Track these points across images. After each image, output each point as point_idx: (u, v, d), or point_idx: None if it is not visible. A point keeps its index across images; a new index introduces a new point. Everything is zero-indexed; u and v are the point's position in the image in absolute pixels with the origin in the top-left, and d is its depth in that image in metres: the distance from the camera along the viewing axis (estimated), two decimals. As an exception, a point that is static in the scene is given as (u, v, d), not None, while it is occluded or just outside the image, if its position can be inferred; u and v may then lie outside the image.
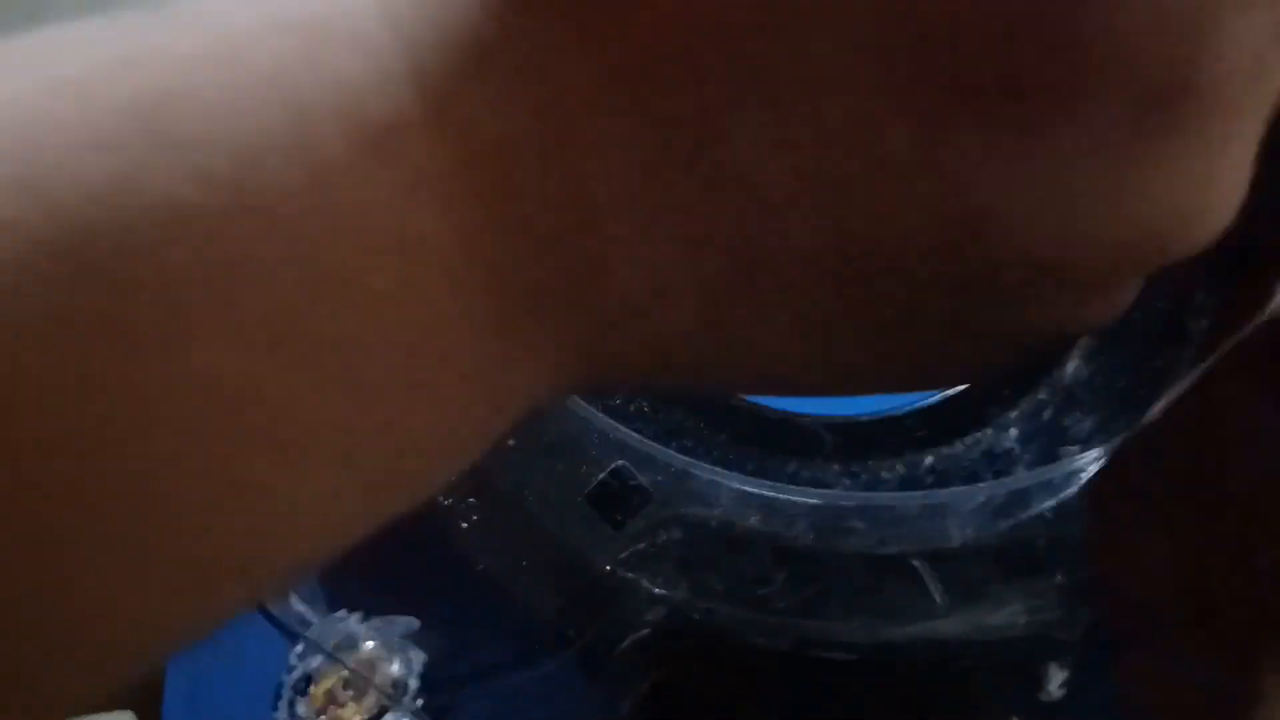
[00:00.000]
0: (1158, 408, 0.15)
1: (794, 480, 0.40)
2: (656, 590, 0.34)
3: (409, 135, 0.11)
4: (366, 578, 0.38)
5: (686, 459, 0.35)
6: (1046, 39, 0.10)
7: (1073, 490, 0.34)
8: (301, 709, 0.35)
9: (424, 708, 0.35)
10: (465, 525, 0.36)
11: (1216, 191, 0.13)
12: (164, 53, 0.11)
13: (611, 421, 0.35)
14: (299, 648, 0.35)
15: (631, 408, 0.40)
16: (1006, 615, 0.33)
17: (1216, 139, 0.12)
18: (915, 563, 0.34)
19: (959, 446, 0.40)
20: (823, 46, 0.10)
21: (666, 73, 0.11)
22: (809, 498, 0.34)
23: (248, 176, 0.10)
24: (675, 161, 0.11)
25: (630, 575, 0.34)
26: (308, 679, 0.35)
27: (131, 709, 0.83)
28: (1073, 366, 0.42)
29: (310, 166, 0.10)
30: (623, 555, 0.34)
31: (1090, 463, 0.34)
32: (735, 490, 0.35)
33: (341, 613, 0.36)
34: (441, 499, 0.36)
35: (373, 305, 0.11)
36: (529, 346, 0.12)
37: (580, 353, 0.12)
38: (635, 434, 0.35)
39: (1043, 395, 0.41)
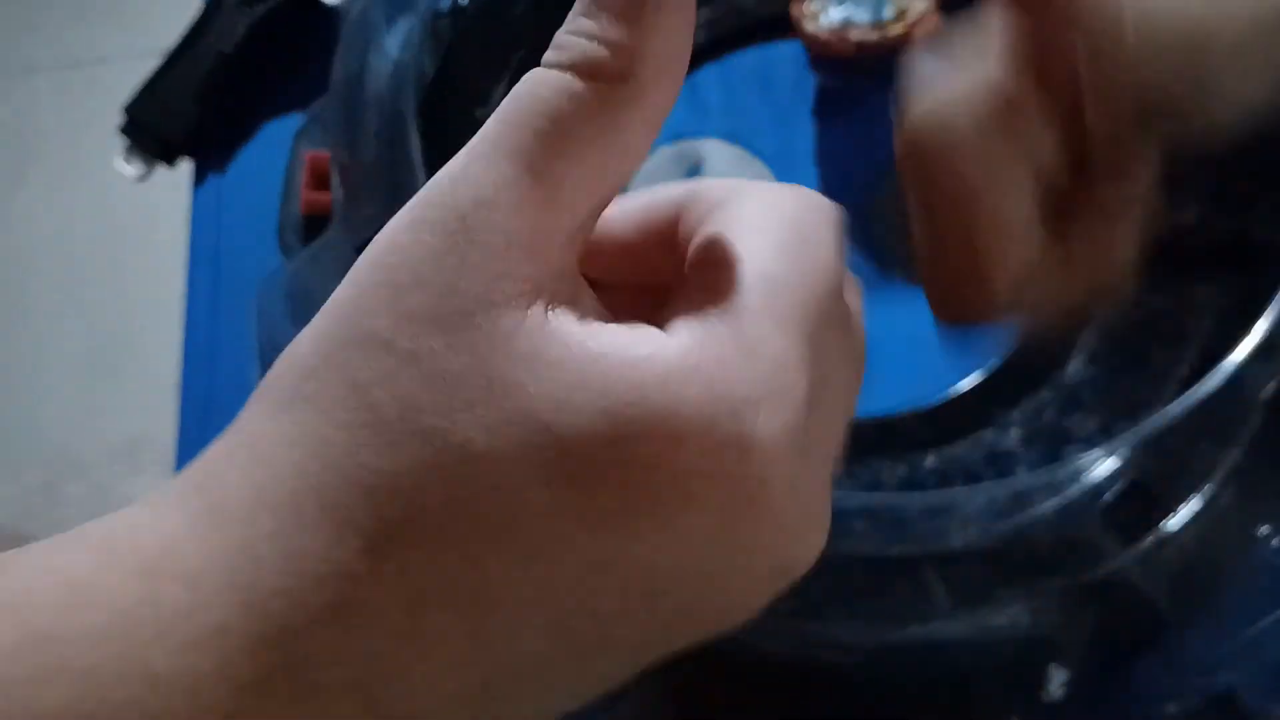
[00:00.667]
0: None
1: (795, 481, 0.39)
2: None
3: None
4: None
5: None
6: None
7: (1075, 491, 0.34)
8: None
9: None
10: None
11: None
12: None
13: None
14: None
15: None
16: (1008, 617, 0.33)
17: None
18: (917, 564, 0.33)
19: (960, 447, 0.40)
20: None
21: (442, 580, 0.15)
22: (810, 498, 0.34)
23: None
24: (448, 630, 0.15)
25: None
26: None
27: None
28: (1074, 367, 0.42)
29: None
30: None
31: (1092, 463, 0.34)
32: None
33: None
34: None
35: None
36: None
37: None
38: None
39: (1045, 395, 0.41)
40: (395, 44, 0.42)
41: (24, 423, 1.14)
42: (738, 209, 0.18)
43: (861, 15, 0.45)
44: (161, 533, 0.14)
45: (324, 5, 0.50)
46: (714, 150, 0.47)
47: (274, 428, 0.15)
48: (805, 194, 0.18)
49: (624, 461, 0.15)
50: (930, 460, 0.40)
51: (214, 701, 0.13)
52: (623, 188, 0.17)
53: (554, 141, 0.15)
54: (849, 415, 0.20)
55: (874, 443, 0.41)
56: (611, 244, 0.19)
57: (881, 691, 0.35)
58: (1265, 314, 0.34)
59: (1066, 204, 0.21)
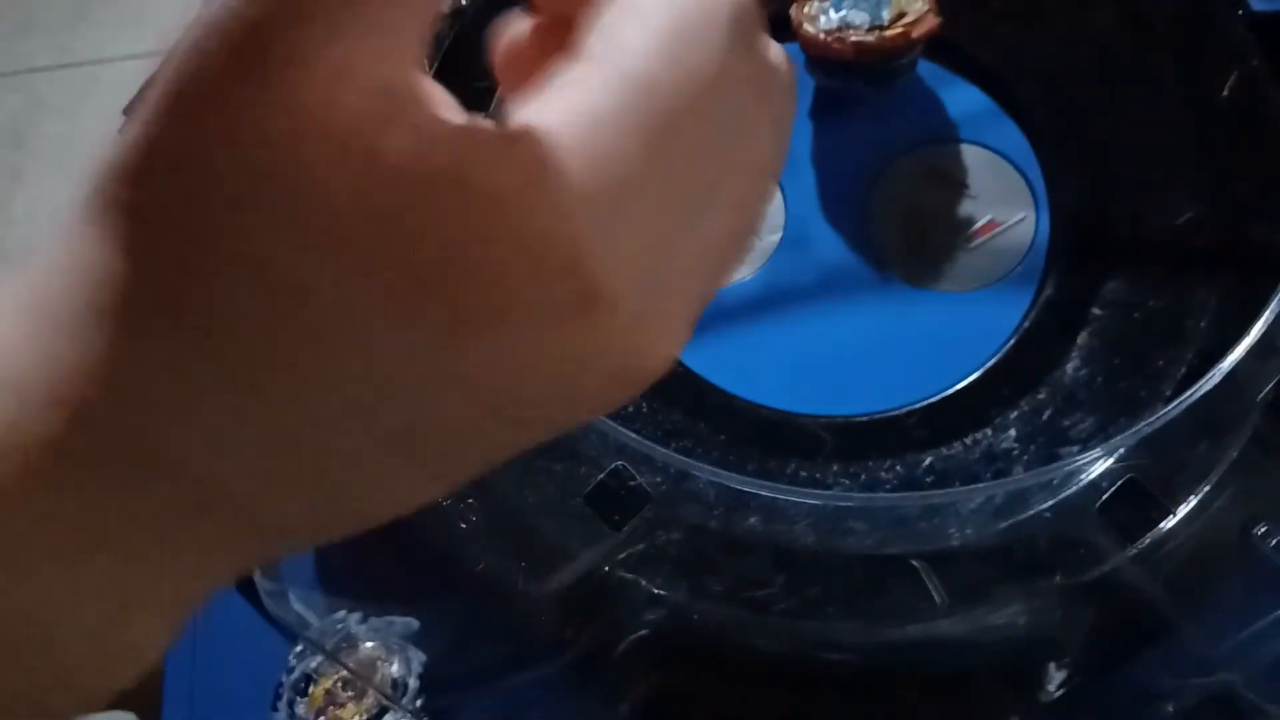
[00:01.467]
0: None
1: (793, 481, 0.40)
2: (656, 591, 0.34)
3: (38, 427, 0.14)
4: (366, 578, 0.38)
5: (686, 460, 0.34)
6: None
7: (1073, 490, 0.34)
8: (301, 709, 0.35)
9: (423, 708, 0.35)
10: (465, 526, 0.36)
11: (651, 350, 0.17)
12: None
13: (611, 423, 0.35)
14: (298, 648, 0.35)
15: (630, 408, 0.40)
16: (1006, 616, 0.33)
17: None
18: (915, 563, 0.34)
19: (958, 447, 0.40)
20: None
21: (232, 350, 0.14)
22: (808, 498, 0.34)
23: None
24: (252, 406, 0.15)
25: (629, 576, 0.34)
26: (307, 679, 0.35)
27: (131, 709, 0.83)
28: (1072, 367, 0.42)
29: None
30: (622, 556, 0.34)
31: (1090, 463, 0.34)
32: (734, 491, 0.35)
33: (341, 613, 0.36)
34: (441, 500, 0.36)
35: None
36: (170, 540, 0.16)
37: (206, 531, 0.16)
38: (634, 434, 0.35)
39: (1042, 395, 0.41)
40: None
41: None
42: None
43: (859, 17, 0.45)
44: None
45: (324, 6, 0.50)
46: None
47: (89, 231, 0.15)
48: None
49: (443, 280, 0.14)
50: (929, 460, 0.40)
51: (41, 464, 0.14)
52: None
53: None
54: (738, 234, 0.18)
55: (873, 443, 0.41)
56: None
57: (881, 690, 0.35)
58: (1264, 314, 0.34)
59: None
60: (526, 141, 0.14)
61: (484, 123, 0.14)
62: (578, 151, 0.15)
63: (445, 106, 0.15)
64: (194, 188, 0.14)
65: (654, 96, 0.15)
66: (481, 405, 0.15)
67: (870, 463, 0.40)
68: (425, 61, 0.15)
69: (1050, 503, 0.34)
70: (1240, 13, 0.43)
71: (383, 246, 0.14)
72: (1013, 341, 0.43)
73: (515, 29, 0.20)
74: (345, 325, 0.14)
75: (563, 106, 0.15)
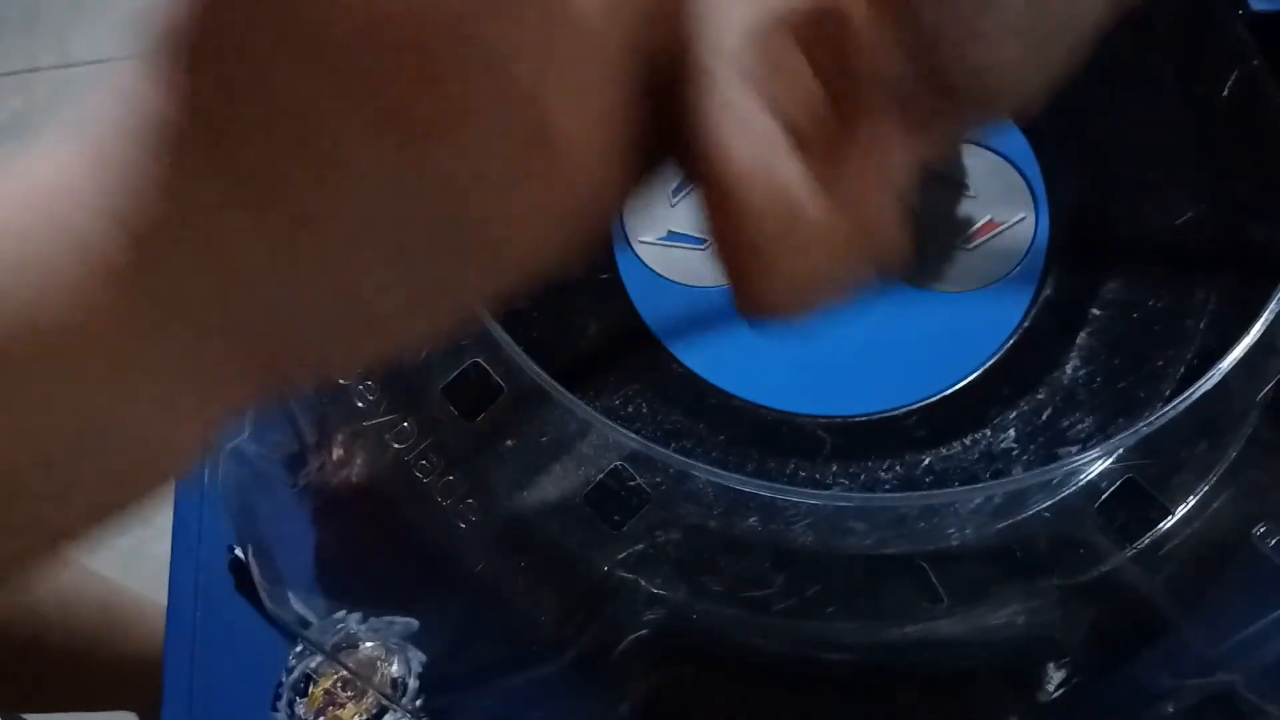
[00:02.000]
0: None
1: (793, 481, 0.40)
2: (655, 591, 0.34)
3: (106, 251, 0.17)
4: (366, 578, 0.38)
5: (685, 460, 0.35)
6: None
7: (1072, 490, 0.34)
8: (300, 709, 0.35)
9: (423, 708, 0.35)
10: (464, 526, 0.36)
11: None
12: None
13: (610, 422, 0.35)
14: (298, 648, 0.35)
15: (630, 408, 0.40)
16: (1005, 616, 0.33)
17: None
18: (914, 563, 0.34)
19: (957, 447, 0.40)
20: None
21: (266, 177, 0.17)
22: (808, 498, 0.34)
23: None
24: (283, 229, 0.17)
25: (629, 576, 0.34)
26: (307, 679, 0.35)
27: (131, 709, 0.82)
28: (1072, 367, 0.42)
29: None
30: (621, 556, 0.34)
31: (1089, 463, 0.34)
32: (734, 491, 0.35)
33: (341, 613, 0.36)
34: (440, 500, 0.36)
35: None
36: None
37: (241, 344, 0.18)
38: (634, 434, 0.35)
39: (1041, 395, 0.41)
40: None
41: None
42: None
43: (860, 16, 0.45)
44: (58, 162, 0.17)
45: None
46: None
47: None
48: None
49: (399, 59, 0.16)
50: (928, 460, 0.40)
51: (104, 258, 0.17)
52: None
53: None
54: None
55: (872, 443, 0.41)
56: None
57: (880, 691, 0.35)
58: (1263, 314, 0.34)
59: (833, 154, 0.20)
60: None
61: None
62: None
63: None
64: (229, 34, 0.16)
65: None
66: (443, 210, 0.17)
67: (869, 463, 0.40)
68: None
69: (1049, 503, 0.34)
70: (1240, 13, 0.43)
71: (380, 70, 0.16)
72: (1012, 341, 0.43)
73: None
74: (344, 145, 0.16)
75: None
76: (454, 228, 0.18)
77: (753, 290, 0.20)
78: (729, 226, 0.19)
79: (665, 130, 0.19)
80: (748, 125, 0.19)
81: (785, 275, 0.20)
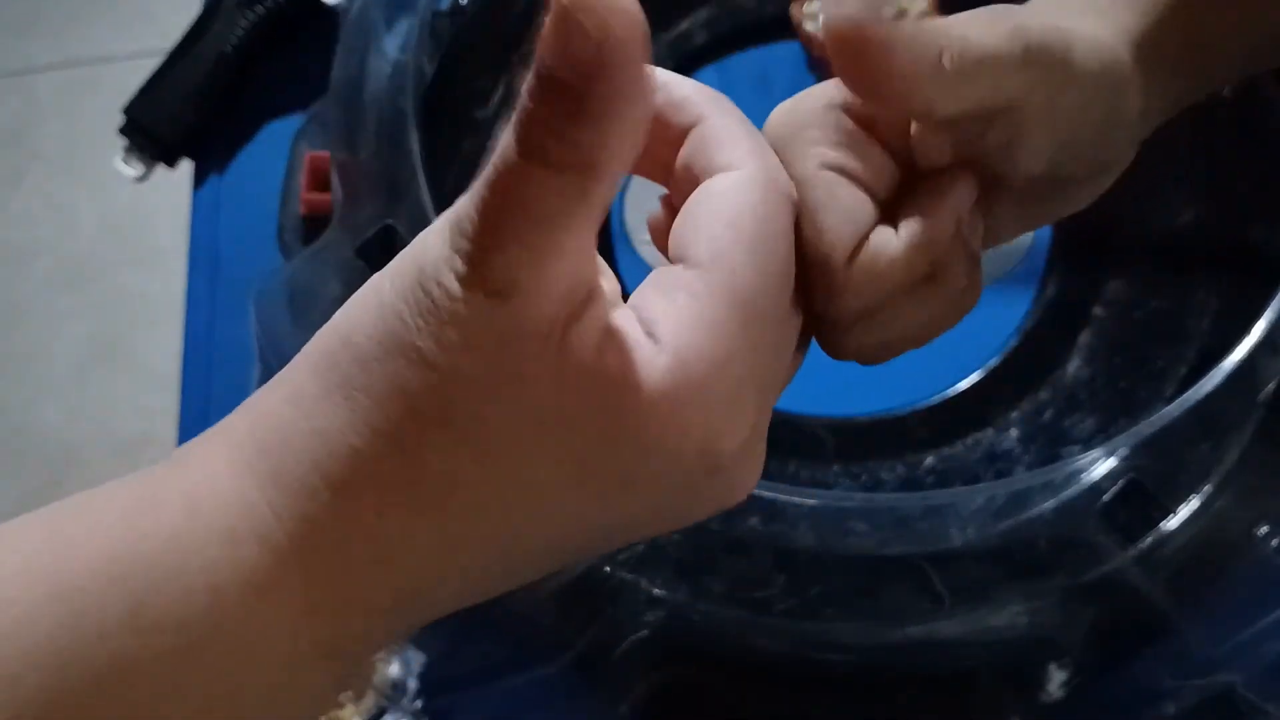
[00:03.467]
0: None
1: (795, 481, 0.40)
2: (656, 592, 0.34)
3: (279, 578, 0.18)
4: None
5: (686, 460, 0.34)
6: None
7: (1074, 491, 0.34)
8: (301, 710, 0.35)
9: (423, 709, 0.35)
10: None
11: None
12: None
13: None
14: (298, 648, 0.35)
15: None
16: (1007, 616, 0.33)
17: None
18: (916, 564, 0.33)
19: (959, 447, 0.40)
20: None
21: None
22: (809, 499, 0.34)
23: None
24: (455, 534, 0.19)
25: (629, 576, 0.34)
26: (307, 680, 0.35)
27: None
28: (1073, 367, 0.42)
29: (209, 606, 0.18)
30: (622, 556, 0.34)
31: (1091, 463, 0.34)
32: (735, 491, 0.35)
33: (341, 613, 0.36)
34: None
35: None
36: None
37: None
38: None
39: (1043, 396, 0.41)
40: (395, 45, 0.42)
41: (25, 421, 1.14)
42: (720, 188, 0.21)
43: (861, 16, 0.45)
44: (242, 497, 0.18)
45: (324, 5, 0.50)
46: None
47: (330, 407, 0.18)
48: (769, 177, 0.21)
49: (619, 458, 0.19)
50: (930, 460, 0.40)
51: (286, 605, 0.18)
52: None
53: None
54: (792, 370, 0.24)
55: (874, 443, 0.41)
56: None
57: (881, 691, 0.35)
58: (1264, 314, 0.34)
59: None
60: (668, 354, 0.19)
61: (636, 329, 0.19)
62: (705, 360, 0.19)
63: (611, 306, 0.19)
64: (439, 383, 0.18)
65: (750, 301, 0.19)
66: (612, 540, 0.21)
67: (871, 463, 0.40)
68: (597, 262, 0.20)
69: (1051, 503, 0.34)
70: (1241, 12, 0.43)
71: (576, 425, 0.18)
72: (1014, 342, 0.43)
73: (653, 215, 0.24)
74: (540, 485, 0.19)
75: (687, 317, 0.19)
76: (612, 542, 0.21)
77: (842, 348, 0.24)
78: (819, 298, 0.22)
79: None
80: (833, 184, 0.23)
81: (877, 338, 0.24)
